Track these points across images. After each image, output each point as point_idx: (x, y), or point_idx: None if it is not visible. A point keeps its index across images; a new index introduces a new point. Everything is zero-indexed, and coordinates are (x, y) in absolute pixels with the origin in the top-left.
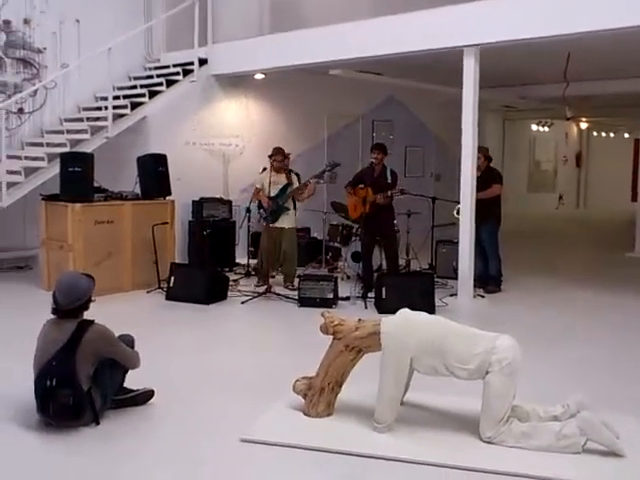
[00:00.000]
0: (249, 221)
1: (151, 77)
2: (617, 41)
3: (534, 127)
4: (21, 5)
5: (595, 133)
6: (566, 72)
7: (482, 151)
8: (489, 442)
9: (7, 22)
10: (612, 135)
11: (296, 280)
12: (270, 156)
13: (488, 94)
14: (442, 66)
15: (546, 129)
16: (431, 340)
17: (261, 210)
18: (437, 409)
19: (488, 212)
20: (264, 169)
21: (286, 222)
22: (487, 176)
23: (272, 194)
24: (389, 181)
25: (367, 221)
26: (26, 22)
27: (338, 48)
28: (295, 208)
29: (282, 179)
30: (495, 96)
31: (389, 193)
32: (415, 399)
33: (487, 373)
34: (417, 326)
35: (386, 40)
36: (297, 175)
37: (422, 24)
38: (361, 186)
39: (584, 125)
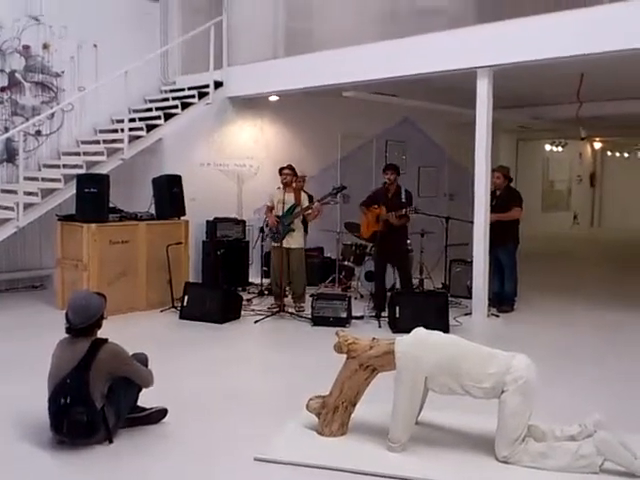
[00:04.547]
0: (262, 241)
1: (167, 100)
2: (630, 61)
3: (548, 147)
4: (40, 30)
5: (609, 153)
6: (579, 92)
7: (502, 170)
8: (505, 462)
9: (26, 47)
10: (626, 155)
11: (306, 300)
12: (280, 171)
13: (502, 115)
14: (456, 87)
15: (560, 149)
16: (446, 359)
17: (267, 228)
18: (452, 428)
19: (507, 233)
20: (279, 188)
21: (293, 242)
22: (507, 197)
23: (280, 213)
24: (404, 201)
25: (380, 241)
26: (45, 47)
27: (351, 70)
28: (306, 230)
29: (291, 198)
30: (509, 117)
31: (403, 211)
32: (430, 418)
33: (503, 392)
34: (432, 345)
35: (399, 62)
36: (310, 197)
37: (436, 46)
38: (375, 206)
39: (598, 145)
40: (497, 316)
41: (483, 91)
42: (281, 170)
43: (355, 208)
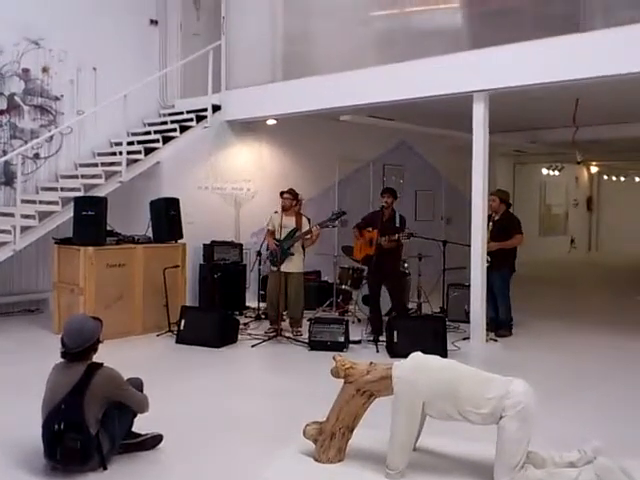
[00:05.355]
0: (260, 265)
1: (165, 123)
2: (625, 86)
3: (545, 171)
4: (40, 54)
5: (605, 177)
6: (575, 117)
7: (499, 194)
8: None
9: (26, 70)
10: (622, 179)
11: (303, 325)
12: (281, 194)
13: (499, 138)
14: (452, 111)
15: (556, 173)
16: (444, 384)
17: (267, 252)
18: (450, 455)
19: (503, 259)
20: (276, 212)
21: (291, 267)
22: (506, 223)
23: (281, 237)
24: (397, 226)
25: (372, 264)
26: (44, 70)
27: (349, 94)
28: (304, 253)
29: (291, 222)
30: (505, 140)
31: (396, 236)
32: (428, 444)
33: (501, 418)
34: (429, 370)
35: (396, 86)
36: (308, 220)
37: (432, 70)
38: (369, 229)
39: (594, 169)
40: (495, 340)
41: (479, 115)
42: (282, 193)
43: (352, 232)
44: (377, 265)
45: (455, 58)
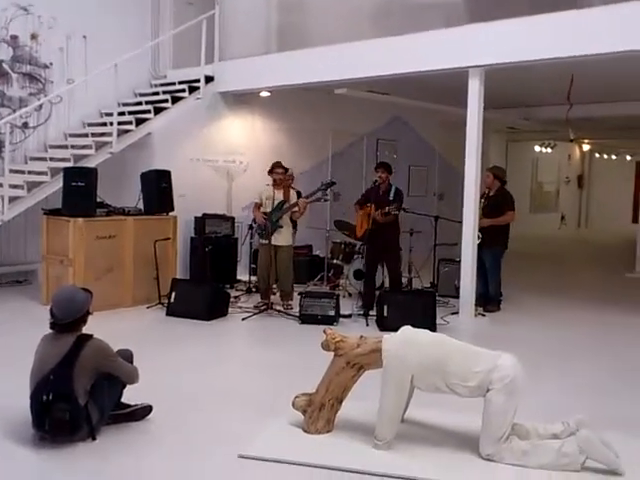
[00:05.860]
0: (251, 238)
1: (157, 94)
2: (620, 64)
3: (537, 148)
4: (29, 21)
5: (597, 155)
6: (569, 94)
7: (494, 170)
8: (489, 460)
9: (14, 37)
10: (614, 157)
11: (294, 299)
12: (270, 172)
13: (492, 115)
14: (447, 86)
15: (549, 150)
16: (432, 358)
17: (255, 225)
18: (437, 426)
19: (495, 236)
20: (268, 184)
21: (281, 240)
22: (500, 199)
23: (269, 209)
24: (391, 199)
25: (370, 238)
26: (33, 37)
27: (343, 67)
28: (295, 227)
29: (280, 195)
30: (499, 117)
31: (387, 209)
32: (416, 416)
33: (488, 391)
34: (418, 344)
35: (391, 60)
36: (299, 193)
37: (428, 45)
38: (368, 205)
39: (586, 147)
40: (484, 315)
41: (474, 91)
42: (273, 169)
43: (345, 206)
44: (372, 240)
45: (451, 33)
